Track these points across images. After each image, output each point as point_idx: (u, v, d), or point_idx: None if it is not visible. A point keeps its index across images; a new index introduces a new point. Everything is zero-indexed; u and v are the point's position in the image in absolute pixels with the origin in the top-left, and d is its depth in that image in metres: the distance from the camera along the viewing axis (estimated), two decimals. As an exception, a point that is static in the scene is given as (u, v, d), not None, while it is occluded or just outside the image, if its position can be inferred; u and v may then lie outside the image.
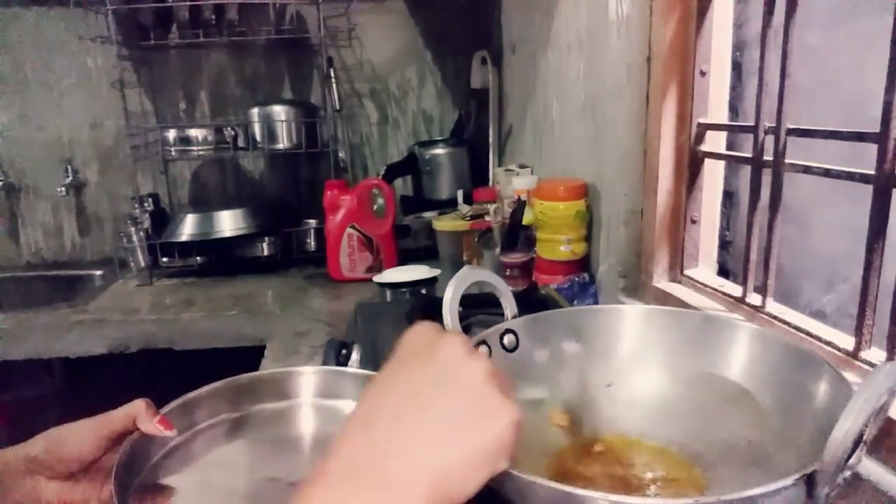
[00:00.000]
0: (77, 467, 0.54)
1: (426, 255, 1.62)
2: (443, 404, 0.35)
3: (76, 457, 0.53)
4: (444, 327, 0.42)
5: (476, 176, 1.85)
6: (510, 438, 0.36)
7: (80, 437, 0.53)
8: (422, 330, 0.40)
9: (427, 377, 0.36)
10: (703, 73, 0.95)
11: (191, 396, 0.64)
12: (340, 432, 0.35)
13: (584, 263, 1.23)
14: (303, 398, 0.70)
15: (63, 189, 1.87)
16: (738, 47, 0.99)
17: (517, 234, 1.32)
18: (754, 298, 0.85)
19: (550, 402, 0.65)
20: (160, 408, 0.57)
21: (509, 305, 0.71)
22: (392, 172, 1.86)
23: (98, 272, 1.89)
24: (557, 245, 1.21)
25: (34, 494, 0.52)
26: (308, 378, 0.71)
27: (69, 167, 1.92)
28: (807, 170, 0.75)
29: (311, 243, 1.85)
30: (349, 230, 1.62)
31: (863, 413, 0.36)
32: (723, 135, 0.97)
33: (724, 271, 1.04)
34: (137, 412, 0.55)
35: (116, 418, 0.54)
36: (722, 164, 1.00)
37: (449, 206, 1.68)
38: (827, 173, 0.72)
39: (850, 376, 0.65)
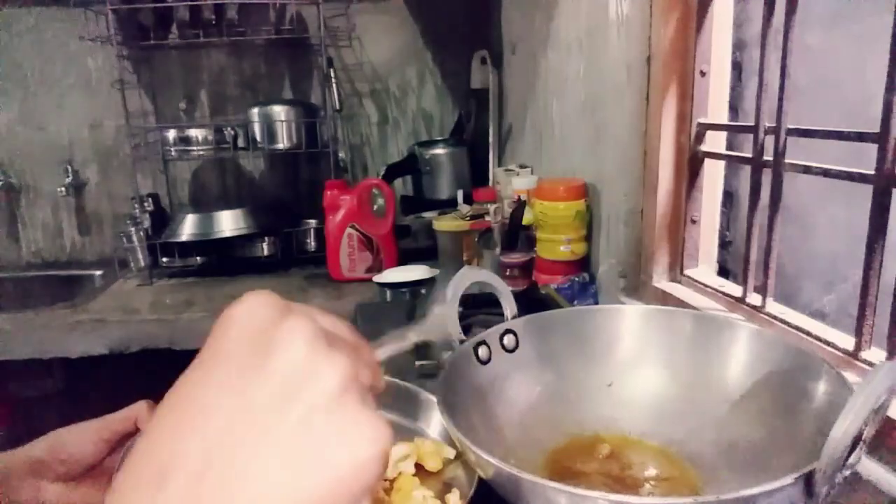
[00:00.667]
0: (79, 469, 0.53)
1: (426, 255, 1.62)
2: (280, 437, 0.24)
3: (78, 459, 0.53)
4: (280, 300, 0.28)
5: (476, 176, 1.85)
6: (375, 470, 0.25)
7: (82, 439, 0.53)
8: (252, 307, 0.27)
9: (258, 396, 0.24)
10: (703, 73, 0.95)
11: None
12: (119, 485, 0.24)
13: (584, 263, 1.23)
14: None
15: (63, 189, 1.87)
16: (738, 47, 0.99)
17: (517, 234, 1.32)
18: (754, 298, 0.85)
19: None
20: None
21: (509, 305, 0.71)
22: (392, 172, 1.86)
23: (98, 272, 1.89)
24: (557, 245, 1.21)
25: (36, 496, 0.52)
26: None
27: (69, 167, 1.92)
28: (807, 170, 0.75)
29: (311, 243, 1.85)
30: (349, 230, 1.62)
31: (862, 412, 0.36)
32: (723, 135, 0.97)
33: (724, 271, 1.04)
34: (139, 414, 0.55)
35: (118, 420, 0.54)
36: (722, 164, 1.00)
37: (449, 206, 1.68)
38: (827, 173, 0.72)
39: (850, 376, 0.65)
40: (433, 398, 0.71)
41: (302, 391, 0.25)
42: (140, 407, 0.55)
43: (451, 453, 0.67)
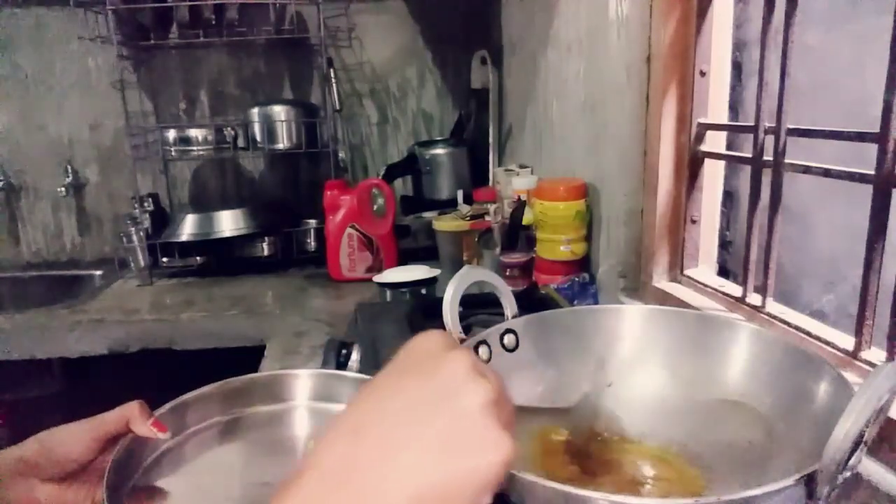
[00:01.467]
0: (70, 469, 0.53)
1: (426, 255, 1.62)
2: (437, 425, 0.32)
3: (69, 458, 0.53)
4: (452, 338, 0.38)
5: (476, 176, 1.85)
6: (496, 475, 0.32)
7: (74, 438, 0.53)
8: (429, 339, 0.37)
9: (426, 393, 0.33)
10: (703, 73, 0.95)
11: (184, 399, 0.64)
12: (326, 435, 0.33)
13: (584, 263, 1.23)
14: (298, 401, 0.69)
15: (63, 189, 1.87)
16: (738, 47, 0.99)
17: (517, 234, 1.32)
18: (754, 298, 0.85)
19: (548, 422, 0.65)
20: (155, 409, 0.57)
21: (509, 305, 0.71)
22: (392, 172, 1.86)
23: (98, 272, 1.89)
24: (557, 245, 1.21)
25: (28, 496, 0.52)
26: (303, 381, 0.70)
27: (69, 167, 1.92)
28: (807, 170, 0.75)
29: (311, 243, 1.85)
30: (349, 230, 1.62)
31: (863, 413, 0.36)
32: (723, 135, 0.97)
33: (724, 271, 1.04)
34: (131, 414, 0.55)
35: (110, 420, 0.54)
36: (722, 164, 1.00)
37: (449, 206, 1.68)
38: (827, 173, 0.72)
39: (850, 376, 0.65)
40: None
41: (458, 397, 0.33)
42: (132, 407, 0.55)
43: None
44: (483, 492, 0.32)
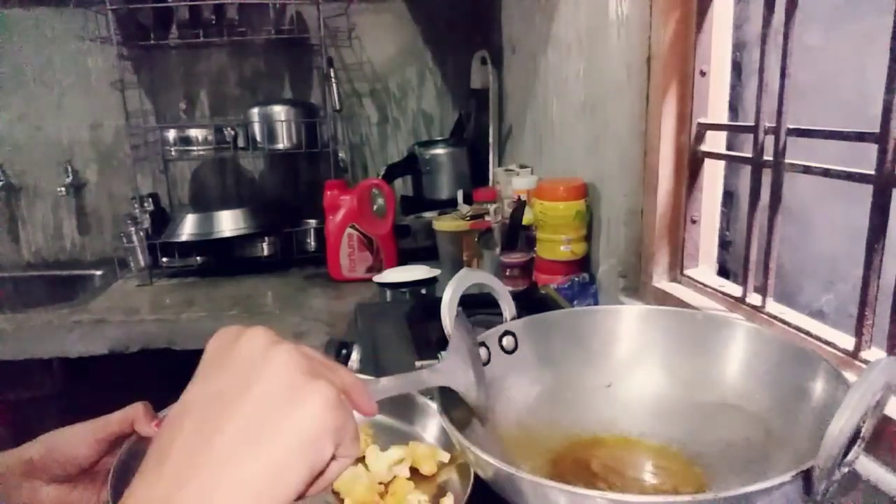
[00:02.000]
0: (75, 470, 0.53)
1: (426, 255, 1.62)
2: (243, 405, 0.31)
3: (73, 460, 0.53)
4: (245, 327, 0.35)
5: (476, 176, 1.85)
6: (325, 420, 0.31)
7: (78, 440, 0.53)
8: (221, 333, 0.35)
9: (225, 381, 0.32)
10: (703, 73, 0.95)
11: None
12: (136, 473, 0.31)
13: (584, 263, 1.23)
14: None
15: (63, 189, 1.87)
16: (738, 47, 0.99)
17: (517, 234, 1.32)
18: (754, 298, 0.85)
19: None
20: (159, 410, 0.57)
21: (508, 307, 0.71)
22: (392, 172, 1.86)
23: (98, 272, 1.89)
24: (557, 245, 1.21)
25: (33, 498, 0.52)
26: None
27: (69, 167, 1.92)
28: (807, 170, 0.75)
29: (311, 243, 1.85)
30: (349, 230, 1.62)
31: (858, 408, 0.36)
32: (723, 135, 0.97)
33: (724, 271, 1.04)
34: (136, 415, 0.55)
35: (114, 421, 0.54)
36: (722, 164, 1.00)
37: (449, 206, 1.68)
38: (827, 173, 0.72)
39: (850, 376, 0.65)
40: (430, 403, 0.72)
41: (258, 368, 0.32)
42: (136, 408, 0.55)
43: (445, 457, 0.67)
44: (320, 441, 0.31)
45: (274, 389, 0.31)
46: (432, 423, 0.72)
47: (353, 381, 0.36)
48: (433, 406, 0.70)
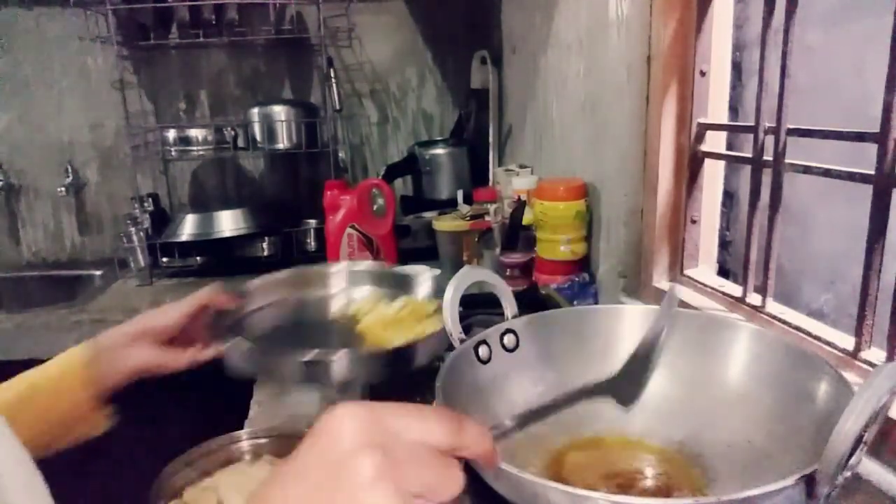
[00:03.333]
0: (166, 337, 0.72)
1: (426, 255, 1.62)
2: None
3: (165, 329, 0.72)
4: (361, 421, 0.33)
5: (476, 176, 1.85)
6: None
7: (168, 315, 0.73)
8: (341, 427, 0.32)
9: (312, 484, 0.32)
10: (703, 73, 0.95)
11: (256, 283, 0.92)
12: None
13: (584, 263, 1.23)
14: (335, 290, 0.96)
15: (63, 189, 1.87)
16: (738, 47, 0.99)
17: (517, 234, 1.32)
18: (754, 298, 0.85)
19: None
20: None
21: (509, 305, 0.71)
22: (392, 172, 1.86)
23: (98, 272, 1.89)
24: (557, 245, 1.21)
25: (138, 359, 0.71)
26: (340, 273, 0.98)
27: (69, 167, 1.92)
28: (807, 170, 0.75)
29: (311, 243, 1.85)
30: (349, 230, 1.62)
31: (863, 414, 0.36)
32: (723, 135, 0.97)
33: (724, 271, 1.04)
34: (213, 293, 0.76)
35: (196, 298, 0.75)
36: (722, 164, 1.00)
37: (449, 206, 1.68)
38: (827, 173, 0.72)
39: (850, 376, 0.65)
40: (414, 274, 0.94)
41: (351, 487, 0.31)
42: (215, 287, 0.77)
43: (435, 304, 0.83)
44: None
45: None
46: (421, 290, 0.93)
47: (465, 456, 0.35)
48: (419, 276, 0.94)
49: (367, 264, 1.02)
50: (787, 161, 0.78)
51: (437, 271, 1.33)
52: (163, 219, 1.84)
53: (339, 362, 0.69)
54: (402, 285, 0.95)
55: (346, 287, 0.96)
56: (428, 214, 1.69)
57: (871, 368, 0.67)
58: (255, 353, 0.72)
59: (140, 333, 0.72)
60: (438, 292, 0.79)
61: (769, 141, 0.80)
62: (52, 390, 0.65)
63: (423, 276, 0.95)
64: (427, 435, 0.34)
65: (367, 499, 0.30)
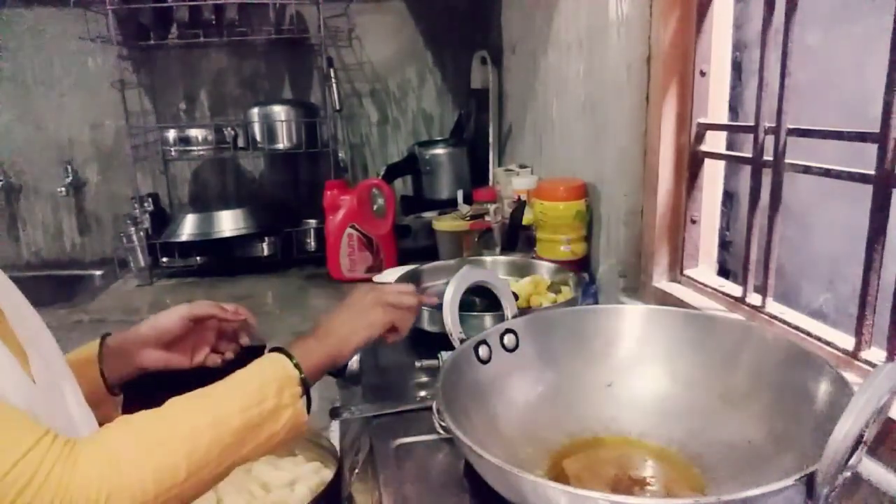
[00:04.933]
0: (170, 338, 0.76)
1: (426, 255, 1.62)
2: (351, 314, 0.72)
3: (169, 332, 0.76)
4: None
5: (476, 176, 1.85)
6: (374, 327, 0.72)
7: (171, 317, 0.76)
8: (360, 291, 0.76)
9: (347, 305, 0.74)
10: (703, 73, 0.95)
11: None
12: (316, 325, 0.70)
13: (584, 263, 1.23)
14: None
15: (63, 189, 1.87)
16: (738, 47, 0.99)
17: (517, 234, 1.32)
18: (754, 298, 0.85)
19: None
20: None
21: (509, 305, 0.71)
22: (392, 172, 1.86)
23: (98, 272, 1.89)
24: (557, 245, 1.21)
25: (146, 359, 0.75)
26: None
27: (69, 167, 1.92)
28: (807, 170, 0.75)
29: (311, 243, 1.85)
30: (349, 230, 1.62)
31: (863, 414, 0.36)
32: (723, 135, 0.97)
33: (724, 271, 1.04)
34: (210, 305, 0.79)
35: (195, 306, 0.78)
36: (722, 164, 1.00)
37: (449, 206, 1.68)
38: (827, 173, 0.72)
39: (850, 376, 0.65)
40: None
41: (360, 301, 0.74)
42: (210, 302, 0.80)
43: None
44: (369, 332, 0.71)
45: (362, 311, 0.73)
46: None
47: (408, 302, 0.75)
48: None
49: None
50: (787, 161, 0.78)
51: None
52: (163, 219, 1.84)
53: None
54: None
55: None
56: (428, 214, 1.69)
57: (871, 368, 0.67)
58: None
59: (146, 336, 0.76)
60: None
61: (769, 141, 0.80)
62: (76, 372, 0.68)
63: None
64: (399, 298, 0.74)
65: (374, 312, 0.72)
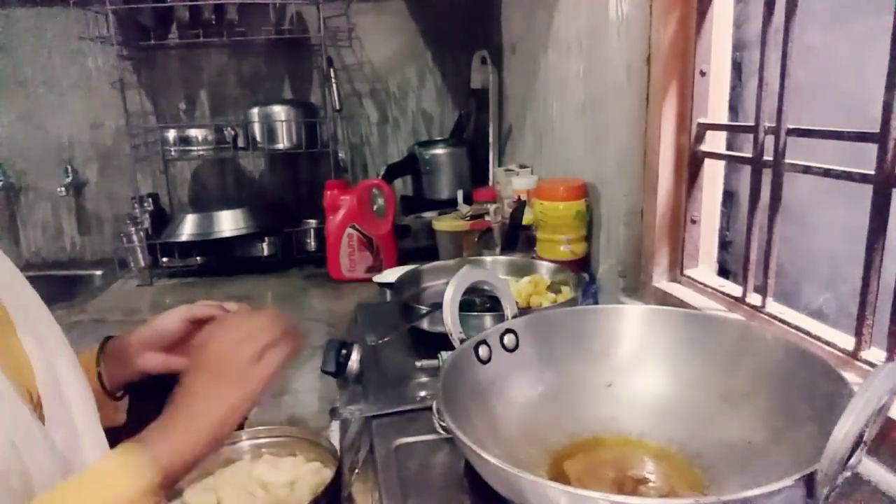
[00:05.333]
0: (171, 341, 0.75)
1: (426, 255, 1.62)
2: (225, 384, 0.58)
3: (170, 334, 0.75)
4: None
5: (476, 176, 1.85)
6: (255, 393, 0.58)
7: (171, 319, 0.75)
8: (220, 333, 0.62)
9: (215, 372, 0.59)
10: (703, 73, 0.95)
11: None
12: (177, 404, 0.57)
13: (584, 263, 1.23)
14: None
15: (63, 189, 1.87)
16: (738, 47, 0.99)
17: (517, 234, 1.32)
18: (754, 298, 0.85)
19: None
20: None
21: (509, 305, 0.71)
22: (392, 172, 1.86)
23: (98, 272, 1.89)
24: (557, 245, 1.21)
25: (147, 362, 0.74)
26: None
27: (69, 167, 1.92)
28: (807, 170, 0.75)
29: (311, 243, 1.85)
30: (349, 230, 1.62)
31: (863, 414, 0.36)
32: (723, 135, 0.97)
33: (724, 271, 1.04)
34: (210, 306, 0.76)
35: (194, 308, 0.76)
36: (722, 164, 1.00)
37: (449, 206, 1.68)
38: (827, 173, 0.72)
39: (850, 376, 0.65)
40: None
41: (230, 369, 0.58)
42: (210, 303, 0.78)
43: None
44: (247, 405, 0.58)
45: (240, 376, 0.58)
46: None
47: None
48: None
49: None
50: (787, 161, 0.78)
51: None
52: (163, 219, 1.84)
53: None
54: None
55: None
56: (428, 214, 1.69)
57: (871, 368, 0.67)
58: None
59: (147, 339, 0.75)
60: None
61: (769, 141, 0.80)
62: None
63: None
64: (270, 334, 0.60)
65: (252, 373, 0.58)
